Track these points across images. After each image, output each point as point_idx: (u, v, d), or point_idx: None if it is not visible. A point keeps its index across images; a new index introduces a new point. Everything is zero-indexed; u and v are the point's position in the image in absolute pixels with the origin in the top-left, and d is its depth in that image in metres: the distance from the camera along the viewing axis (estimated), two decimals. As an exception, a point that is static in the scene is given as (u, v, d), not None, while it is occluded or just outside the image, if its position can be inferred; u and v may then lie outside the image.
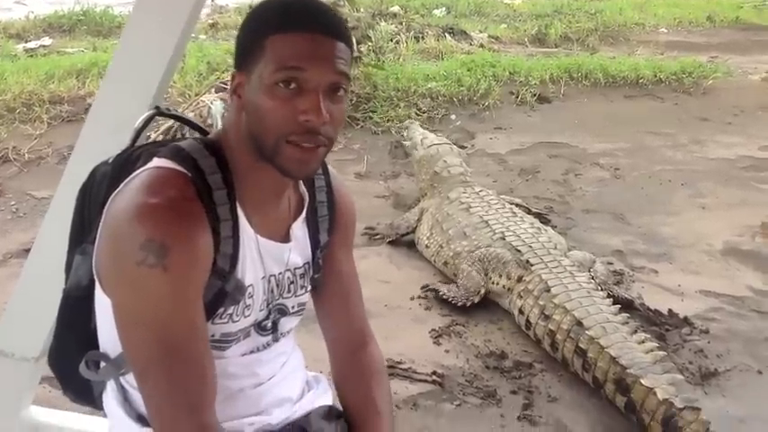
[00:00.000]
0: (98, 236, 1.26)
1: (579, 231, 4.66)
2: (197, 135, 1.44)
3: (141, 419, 1.35)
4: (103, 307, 1.29)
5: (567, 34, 10.43)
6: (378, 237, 4.47)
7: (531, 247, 3.69)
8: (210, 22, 9.95)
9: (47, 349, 1.56)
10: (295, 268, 1.44)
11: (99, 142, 1.76)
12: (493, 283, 3.67)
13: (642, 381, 2.78)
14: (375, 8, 9.57)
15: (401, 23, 9.19)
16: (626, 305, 3.51)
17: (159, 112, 1.48)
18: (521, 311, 3.46)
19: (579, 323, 3.13)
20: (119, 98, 1.84)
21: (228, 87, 1.37)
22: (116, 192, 1.26)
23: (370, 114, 6.45)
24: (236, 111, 1.29)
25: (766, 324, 3.63)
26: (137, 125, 1.45)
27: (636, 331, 3.07)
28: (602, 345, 2.98)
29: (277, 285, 1.41)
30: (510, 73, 7.60)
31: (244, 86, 1.26)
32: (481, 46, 9.25)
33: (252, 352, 1.42)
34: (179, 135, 5.02)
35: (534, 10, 11.93)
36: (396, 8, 10.16)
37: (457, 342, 3.39)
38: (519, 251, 3.67)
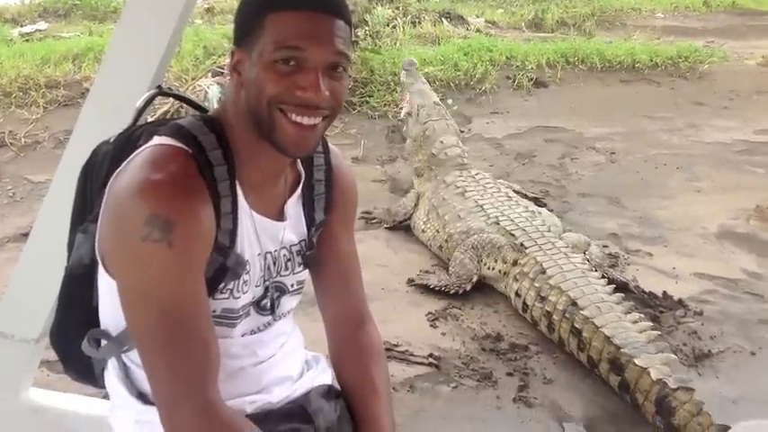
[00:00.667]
0: (101, 216, 1.27)
1: (575, 215, 4.68)
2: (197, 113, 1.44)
3: (142, 397, 1.36)
4: (105, 286, 1.30)
5: (563, 19, 10.44)
6: (375, 221, 4.48)
7: (525, 230, 3.70)
8: (207, 6, 9.90)
9: (47, 331, 1.56)
10: (291, 245, 1.45)
11: (99, 123, 1.76)
12: (488, 268, 3.68)
13: (636, 360, 2.80)
14: (372, -7, 9.55)
15: (398, 8, 9.16)
16: (621, 287, 3.53)
17: (161, 92, 1.48)
18: (517, 294, 3.49)
19: (574, 303, 3.16)
20: (119, 79, 1.83)
21: (228, 64, 1.36)
22: (118, 170, 1.26)
23: (367, 99, 6.47)
24: (235, 88, 1.29)
25: (760, 306, 3.66)
26: (138, 104, 1.44)
27: (630, 311, 3.09)
28: (597, 324, 3.01)
29: (273, 263, 1.42)
30: (507, 58, 7.61)
31: (244, 63, 1.26)
32: (478, 31, 9.25)
33: (252, 332, 1.43)
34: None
35: (531, -6, 11.91)
36: (393, -7, 10.12)
37: (453, 325, 3.41)
38: (513, 235, 3.68)
